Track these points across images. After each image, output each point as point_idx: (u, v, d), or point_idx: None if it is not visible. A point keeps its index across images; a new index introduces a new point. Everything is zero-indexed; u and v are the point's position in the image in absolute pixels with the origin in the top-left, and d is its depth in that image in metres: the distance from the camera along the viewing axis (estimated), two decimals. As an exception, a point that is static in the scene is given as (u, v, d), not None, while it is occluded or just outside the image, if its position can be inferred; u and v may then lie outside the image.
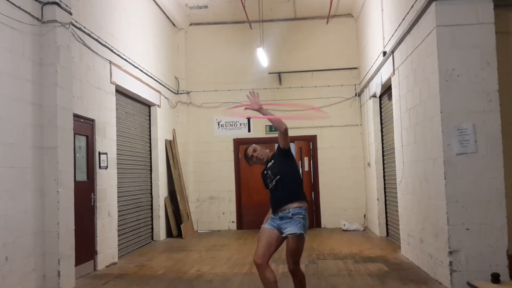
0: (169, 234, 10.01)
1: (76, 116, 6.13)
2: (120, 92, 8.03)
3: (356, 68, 11.10)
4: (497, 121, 5.12)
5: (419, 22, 5.84)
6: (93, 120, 6.79)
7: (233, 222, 11.25)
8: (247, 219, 11.05)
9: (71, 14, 5.89)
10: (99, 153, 6.93)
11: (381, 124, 9.37)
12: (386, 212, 9.20)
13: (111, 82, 7.39)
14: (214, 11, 10.85)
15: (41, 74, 5.47)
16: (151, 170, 9.64)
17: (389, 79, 7.65)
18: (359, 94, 10.98)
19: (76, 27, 6.23)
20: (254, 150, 4.32)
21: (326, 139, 11.17)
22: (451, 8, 5.23)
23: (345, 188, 11.01)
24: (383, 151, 9.31)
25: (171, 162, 10.23)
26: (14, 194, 4.94)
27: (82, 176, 6.53)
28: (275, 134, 4.11)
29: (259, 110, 4.16)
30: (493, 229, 5.04)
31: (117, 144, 7.62)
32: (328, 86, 11.09)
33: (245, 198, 11.22)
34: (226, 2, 10.33)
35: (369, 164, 10.09)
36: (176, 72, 11.19)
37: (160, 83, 9.91)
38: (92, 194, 6.73)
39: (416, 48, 6.06)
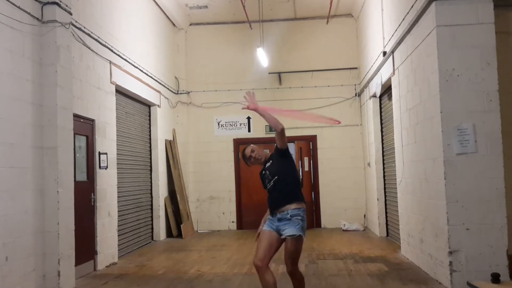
0: (169, 234, 10.01)
1: (76, 116, 6.13)
2: (120, 92, 8.03)
3: (356, 68, 11.10)
4: (497, 121, 5.12)
5: (419, 22, 5.84)
6: (93, 120, 6.79)
7: (233, 222, 11.25)
8: (247, 219, 11.05)
9: (71, 14, 5.89)
10: (99, 153, 6.93)
11: (381, 124, 9.37)
12: (386, 212, 9.20)
13: (111, 82, 7.39)
14: (214, 11, 10.85)
15: (41, 74, 5.47)
16: (151, 170, 9.64)
17: (389, 79, 7.65)
18: (359, 94, 10.98)
19: (76, 27, 6.23)
20: (252, 151, 4.31)
21: (326, 139, 11.17)
22: (451, 8, 5.23)
23: (345, 188, 11.01)
24: (383, 151, 9.31)
25: (171, 162, 10.23)
26: (14, 194, 4.94)
27: (82, 176, 6.53)
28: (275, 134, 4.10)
29: (256, 110, 4.15)
30: (493, 229, 5.04)
31: (117, 144, 7.62)
32: (328, 86, 11.09)
33: (245, 198, 11.22)
34: (226, 2, 10.33)
35: (369, 164, 10.09)
36: (176, 72, 11.19)
37: (160, 83, 9.91)
38: (92, 194, 6.73)
39: (416, 48, 6.06)
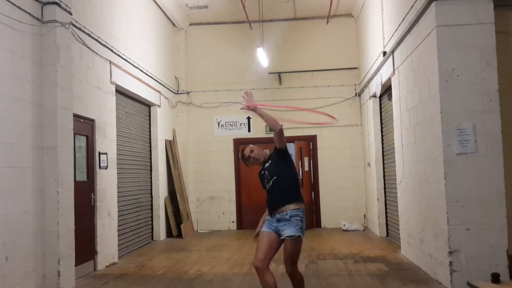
0: (169, 234, 10.01)
1: (76, 116, 6.13)
2: (120, 92, 8.03)
3: (356, 68, 11.10)
4: (497, 121, 5.12)
5: (419, 22, 5.84)
6: (93, 120, 6.79)
7: (233, 222, 11.25)
8: (247, 219, 11.05)
9: (71, 14, 5.89)
10: (99, 153, 6.93)
11: (381, 124, 9.37)
12: (386, 212, 9.20)
13: (111, 82, 7.39)
14: (214, 11, 10.85)
15: (41, 74, 5.47)
16: (151, 170, 9.64)
17: (389, 79, 7.65)
18: (359, 94, 10.98)
19: (76, 27, 6.23)
20: (251, 151, 4.28)
21: (326, 139, 11.17)
22: (451, 8, 5.23)
23: (345, 188, 11.01)
24: (383, 151, 9.31)
25: (171, 162, 10.23)
26: (14, 194, 4.94)
27: (82, 176, 6.53)
28: (273, 134, 4.08)
29: (254, 110, 4.13)
30: (493, 229, 5.04)
31: (117, 144, 7.62)
32: (328, 86, 11.09)
33: (245, 198, 11.22)
34: (226, 2, 10.33)
35: (369, 164, 10.09)
36: (176, 72, 11.19)
37: (160, 83, 9.91)
38: (92, 194, 6.73)
39: (416, 48, 6.06)
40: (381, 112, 9.38)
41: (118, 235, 7.56)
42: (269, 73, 11.24)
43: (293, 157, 10.36)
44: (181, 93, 11.25)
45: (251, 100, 4.14)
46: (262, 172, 4.24)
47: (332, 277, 6.03)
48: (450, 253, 5.09)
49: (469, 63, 5.18)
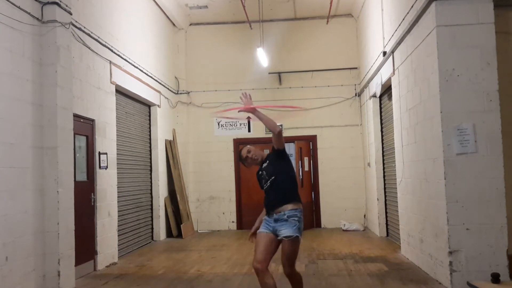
0: (169, 234, 10.01)
1: (76, 116, 6.13)
2: (120, 92, 8.03)
3: (356, 68, 11.10)
4: (497, 121, 5.12)
5: (419, 22, 5.84)
6: (93, 120, 6.79)
7: (233, 222, 11.25)
8: (247, 219, 11.03)
9: (71, 14, 5.89)
10: (99, 153, 6.93)
11: (381, 124, 9.37)
12: (386, 212, 9.20)
13: (111, 82, 7.39)
14: (214, 11, 10.85)
15: (41, 74, 5.47)
16: (151, 170, 9.64)
17: (389, 79, 7.65)
18: (359, 94, 10.98)
19: (76, 27, 6.23)
20: (249, 151, 4.26)
21: (326, 139, 11.17)
22: (451, 8, 5.23)
23: (345, 188, 11.00)
24: (383, 151, 9.31)
25: (171, 162, 10.23)
26: (14, 194, 4.94)
27: (82, 176, 6.53)
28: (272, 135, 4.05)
29: (253, 112, 4.10)
30: (493, 229, 5.04)
31: (117, 144, 7.62)
32: (328, 86, 11.09)
33: (245, 198, 11.22)
34: (226, 2, 10.33)
35: (369, 164, 10.09)
36: (176, 72, 11.19)
37: (160, 83, 9.91)
38: (92, 194, 6.73)
39: (416, 48, 6.06)
40: (381, 112, 9.38)
41: (118, 235, 7.56)
42: (269, 73, 11.24)
43: (293, 157, 10.37)
44: (181, 93, 11.25)
45: (250, 102, 4.12)
46: (260, 172, 4.22)
47: (332, 277, 6.03)
48: (450, 253, 5.09)
49: (469, 63, 5.18)
